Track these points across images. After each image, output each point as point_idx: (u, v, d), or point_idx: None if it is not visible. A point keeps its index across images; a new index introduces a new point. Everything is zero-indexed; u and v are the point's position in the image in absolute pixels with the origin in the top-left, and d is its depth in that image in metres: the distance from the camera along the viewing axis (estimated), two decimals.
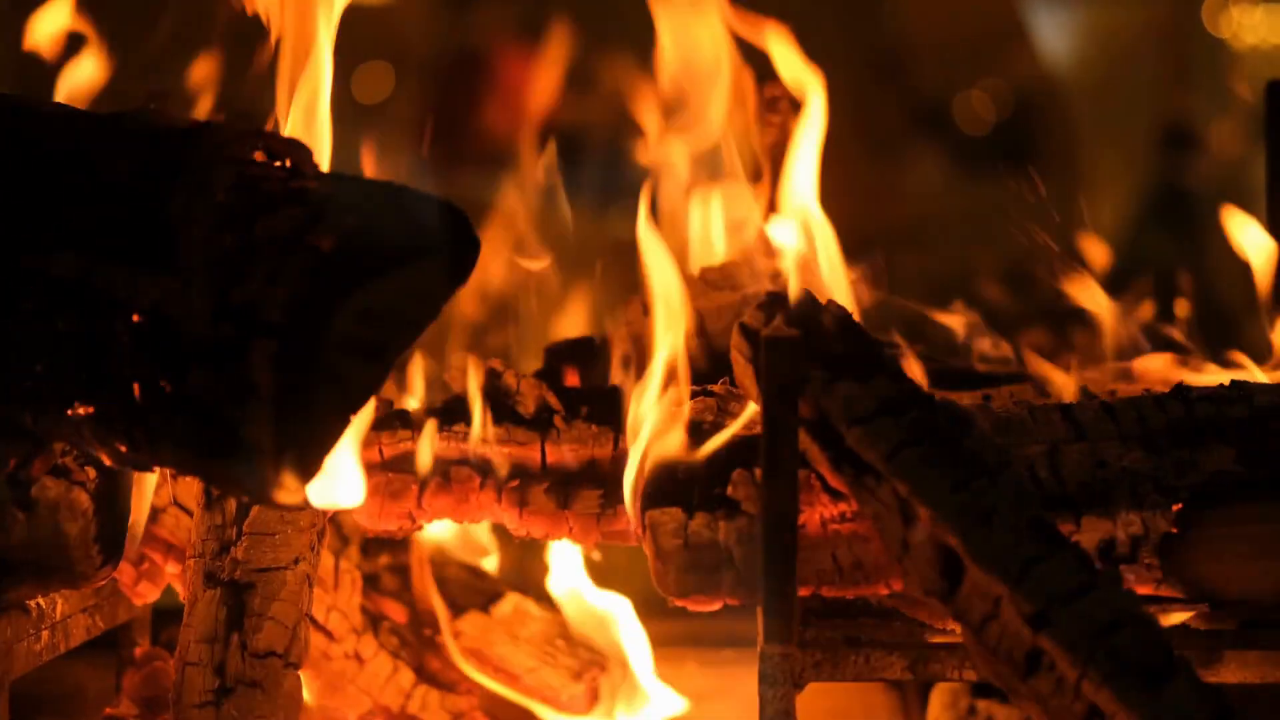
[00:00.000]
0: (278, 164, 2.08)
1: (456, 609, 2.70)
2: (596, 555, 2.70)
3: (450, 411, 2.37)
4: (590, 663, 2.68)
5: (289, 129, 2.33)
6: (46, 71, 2.51)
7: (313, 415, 2.02)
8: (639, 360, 2.44)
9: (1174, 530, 2.15)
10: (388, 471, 2.33)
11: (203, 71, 2.60)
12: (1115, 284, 2.92)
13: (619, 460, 2.30)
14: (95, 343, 2.00)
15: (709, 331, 2.51)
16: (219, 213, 2.00)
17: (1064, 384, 2.51)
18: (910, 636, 2.17)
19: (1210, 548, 2.16)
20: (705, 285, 2.56)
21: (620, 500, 2.27)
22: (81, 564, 2.22)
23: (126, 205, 2.02)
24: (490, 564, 2.81)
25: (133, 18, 2.60)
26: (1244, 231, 2.75)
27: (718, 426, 2.23)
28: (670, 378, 2.31)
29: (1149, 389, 2.42)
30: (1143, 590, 2.15)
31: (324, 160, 2.31)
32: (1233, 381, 2.25)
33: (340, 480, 2.25)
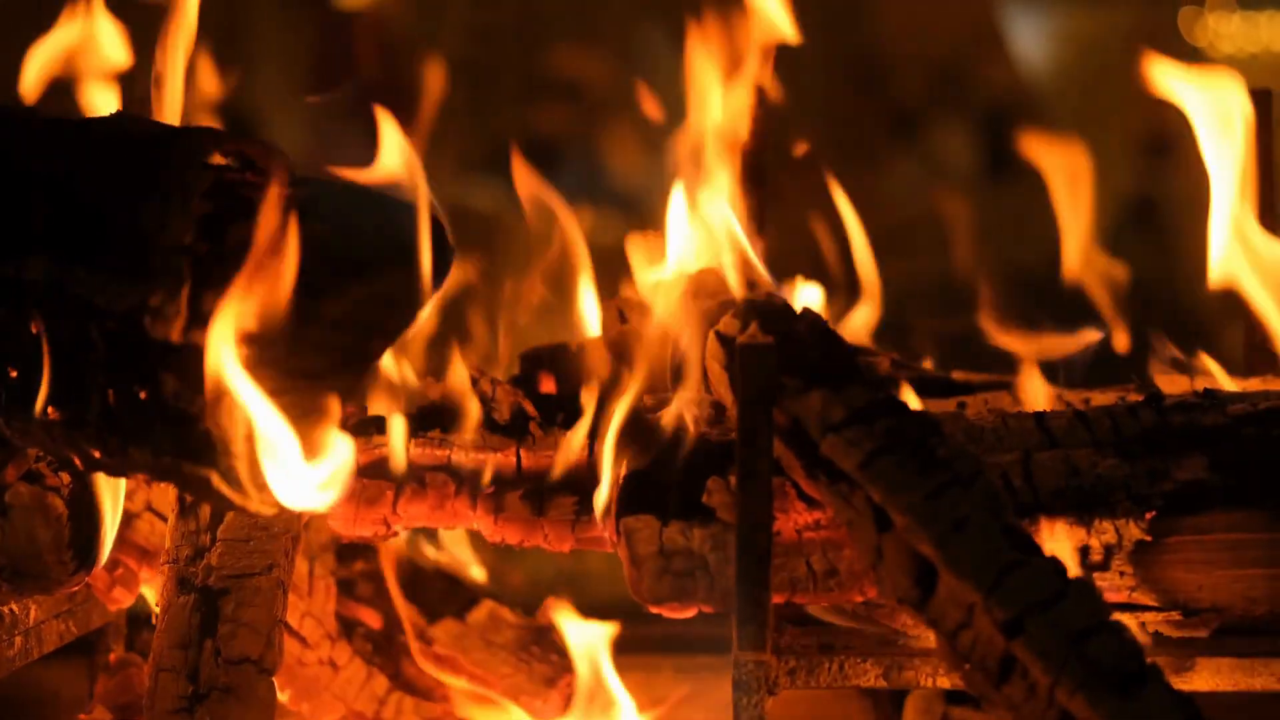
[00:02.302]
0: (253, 170, 2.08)
1: (432, 615, 2.70)
2: None
3: (425, 417, 2.37)
4: (564, 669, 2.68)
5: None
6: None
7: (287, 422, 2.02)
8: (615, 366, 2.45)
9: (1147, 538, 2.16)
10: (363, 477, 2.32)
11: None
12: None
13: (595, 466, 2.30)
14: (69, 348, 1.99)
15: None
16: (193, 219, 2.00)
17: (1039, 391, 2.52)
18: (884, 644, 2.17)
19: (1183, 555, 2.16)
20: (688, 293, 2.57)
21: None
22: (55, 569, 2.21)
23: (101, 211, 2.01)
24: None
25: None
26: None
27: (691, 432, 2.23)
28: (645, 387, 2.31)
29: (1123, 396, 2.43)
30: (1116, 598, 2.16)
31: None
32: (1206, 390, 2.26)
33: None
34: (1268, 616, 2.17)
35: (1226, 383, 2.53)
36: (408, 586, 2.71)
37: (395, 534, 2.38)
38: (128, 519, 2.39)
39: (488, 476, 2.32)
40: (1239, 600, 2.16)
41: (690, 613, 2.16)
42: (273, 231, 1.99)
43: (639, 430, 2.26)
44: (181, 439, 1.99)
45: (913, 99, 5.31)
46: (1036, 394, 2.52)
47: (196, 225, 2.00)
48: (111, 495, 2.28)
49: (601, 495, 2.26)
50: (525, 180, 2.59)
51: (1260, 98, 2.85)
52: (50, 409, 2.01)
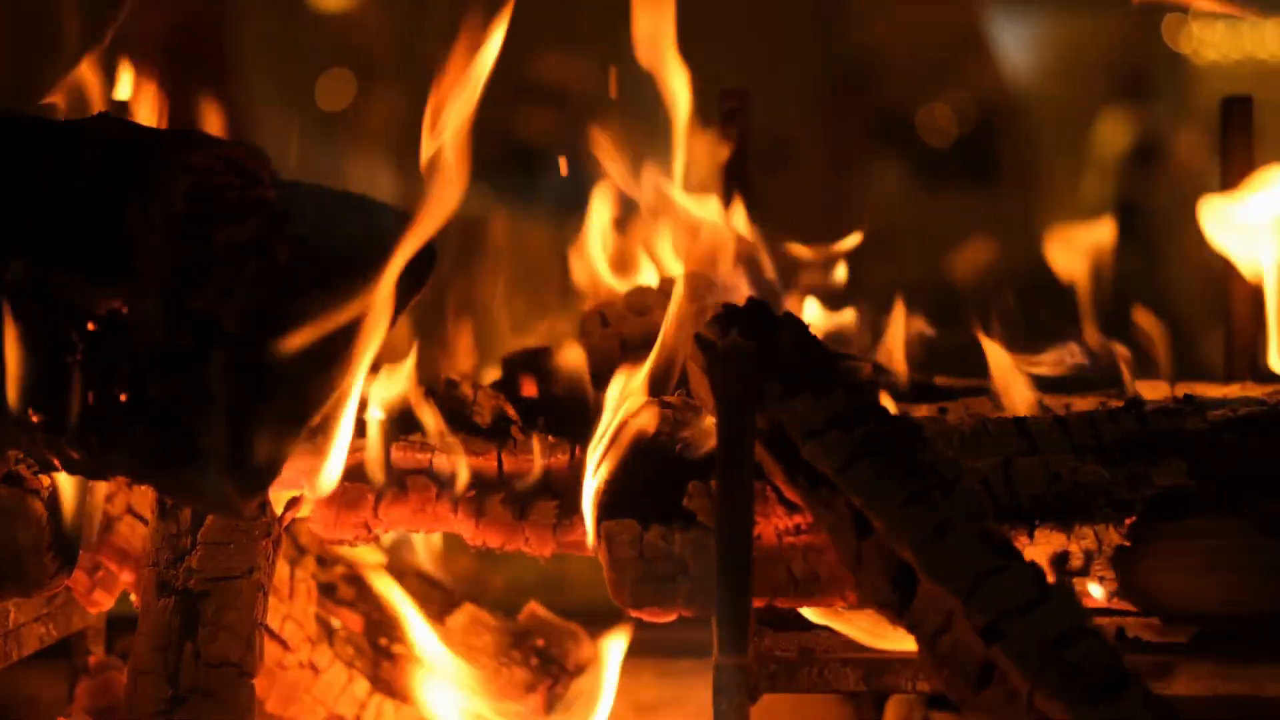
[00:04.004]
0: (236, 172, 2.08)
1: None
2: None
3: (407, 421, 2.37)
4: (544, 673, 2.68)
5: None
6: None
7: (269, 425, 2.02)
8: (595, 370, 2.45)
9: (1127, 543, 2.16)
10: (344, 480, 2.32)
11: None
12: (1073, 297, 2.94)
13: (576, 470, 2.31)
14: (49, 350, 1.99)
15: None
16: (176, 221, 2.00)
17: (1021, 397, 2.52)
18: (864, 649, 2.17)
19: (1163, 561, 2.17)
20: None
21: (576, 510, 2.28)
22: (35, 572, 2.21)
23: (83, 213, 2.01)
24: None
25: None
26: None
27: (673, 438, 2.24)
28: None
29: (1104, 402, 2.44)
30: (1095, 603, 2.16)
31: None
32: (1186, 395, 2.27)
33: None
34: (1247, 622, 2.17)
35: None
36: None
37: (376, 537, 2.38)
38: (108, 522, 2.39)
39: (468, 480, 2.32)
40: (1219, 605, 2.17)
41: (670, 617, 2.16)
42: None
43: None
44: (162, 442, 1.98)
45: (897, 104, 5.32)
46: (1018, 399, 2.52)
47: (179, 227, 1.99)
48: (92, 498, 2.28)
49: (583, 499, 2.26)
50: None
51: (1241, 104, 2.86)
52: (30, 411, 2.01)
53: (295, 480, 2.28)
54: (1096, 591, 2.16)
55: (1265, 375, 2.65)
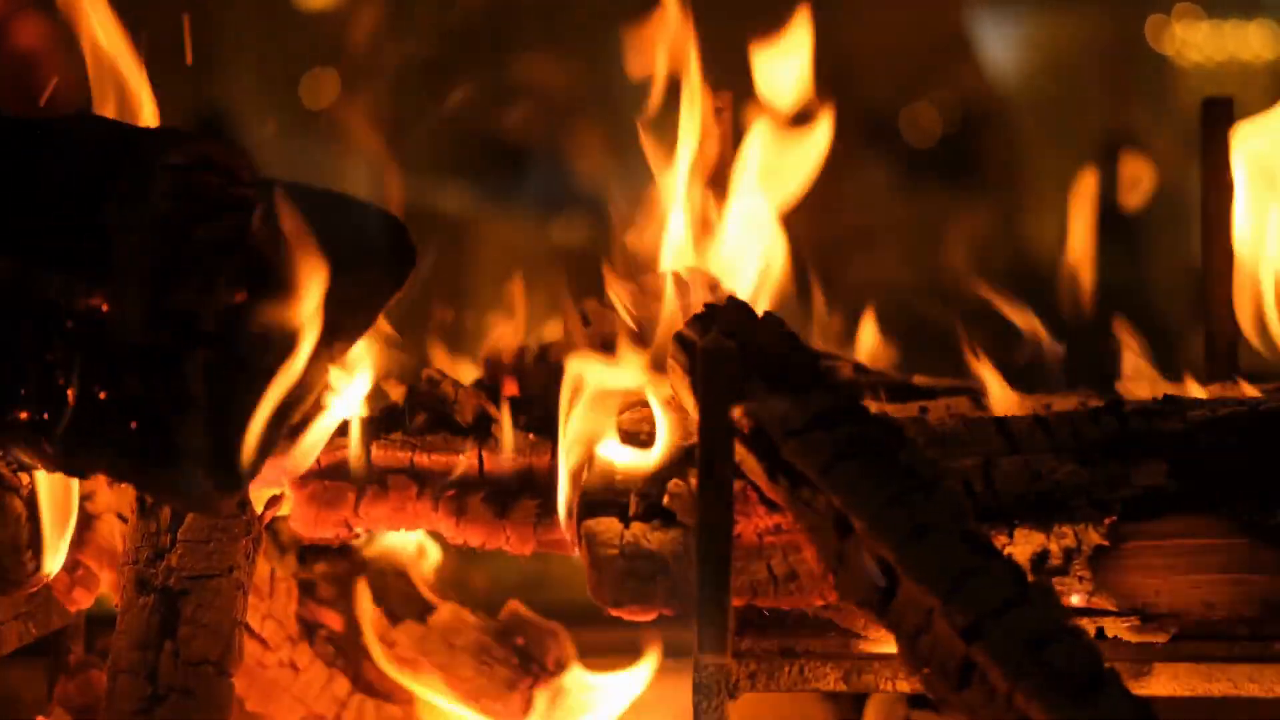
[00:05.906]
0: (216, 171, 2.08)
1: (393, 618, 2.69)
2: None
3: (387, 419, 2.37)
4: (525, 672, 2.68)
5: None
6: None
7: (248, 423, 2.02)
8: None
9: (1106, 543, 2.16)
10: (324, 479, 2.32)
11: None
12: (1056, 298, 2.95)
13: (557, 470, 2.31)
14: (29, 349, 1.99)
15: None
16: (156, 220, 2.00)
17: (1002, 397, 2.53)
18: (845, 648, 2.18)
19: (1142, 560, 2.17)
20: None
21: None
22: (14, 570, 2.21)
23: (63, 211, 2.01)
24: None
25: None
26: None
27: (654, 437, 2.24)
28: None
29: (1084, 402, 2.44)
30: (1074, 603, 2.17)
31: None
32: (1165, 396, 2.27)
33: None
34: (1225, 622, 2.18)
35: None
36: (370, 589, 2.71)
37: (357, 536, 2.38)
38: (89, 520, 2.39)
39: (449, 479, 2.32)
40: (1197, 605, 2.17)
41: (651, 616, 2.16)
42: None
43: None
44: (142, 440, 1.98)
45: (881, 105, 5.32)
46: (998, 399, 2.52)
47: (159, 225, 1.99)
48: (70, 496, 2.28)
49: (563, 498, 2.26)
50: None
51: (1223, 105, 2.86)
52: (10, 409, 2.01)
53: (275, 478, 2.29)
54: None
55: (1246, 376, 2.65)
